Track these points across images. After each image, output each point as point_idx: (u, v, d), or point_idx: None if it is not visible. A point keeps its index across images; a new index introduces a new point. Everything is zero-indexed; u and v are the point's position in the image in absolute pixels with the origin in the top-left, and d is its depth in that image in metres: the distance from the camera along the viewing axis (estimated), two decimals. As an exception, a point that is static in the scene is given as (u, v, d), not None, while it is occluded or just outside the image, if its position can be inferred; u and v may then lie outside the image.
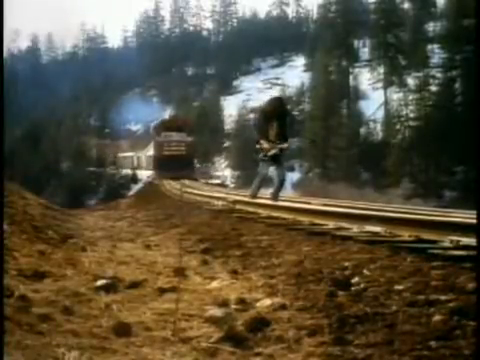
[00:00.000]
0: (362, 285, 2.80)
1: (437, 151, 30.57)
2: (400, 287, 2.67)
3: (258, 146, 8.38)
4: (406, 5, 50.49)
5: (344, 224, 5.05)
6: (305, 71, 53.95)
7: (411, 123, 34.33)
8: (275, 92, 52.63)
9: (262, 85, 60.03)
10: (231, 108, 52.09)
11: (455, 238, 3.57)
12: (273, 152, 8.22)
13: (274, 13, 74.74)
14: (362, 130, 40.07)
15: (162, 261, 3.99)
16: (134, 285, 3.05)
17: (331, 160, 37.31)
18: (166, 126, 34.09)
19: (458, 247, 3.48)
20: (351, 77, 44.48)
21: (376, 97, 42.76)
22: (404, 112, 35.27)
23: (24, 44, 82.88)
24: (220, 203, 9.43)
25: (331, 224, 5.24)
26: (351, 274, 3.06)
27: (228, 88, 61.70)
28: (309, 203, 7.84)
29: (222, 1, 75.86)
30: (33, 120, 51.67)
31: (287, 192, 30.01)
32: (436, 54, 38.53)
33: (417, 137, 32.38)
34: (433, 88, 33.60)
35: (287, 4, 74.35)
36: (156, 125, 37.45)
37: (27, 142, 45.71)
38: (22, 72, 62.85)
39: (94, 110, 60.41)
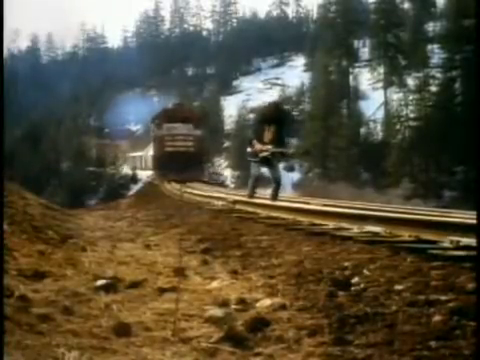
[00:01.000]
0: (362, 285, 2.80)
1: (437, 151, 30.55)
2: (400, 287, 2.67)
3: (249, 149, 8.40)
4: (406, 5, 50.52)
5: (344, 224, 5.05)
6: (305, 71, 53.95)
7: (411, 123, 34.31)
8: (275, 92, 52.71)
9: (262, 85, 60.03)
10: (231, 108, 52.07)
11: (455, 238, 3.57)
12: (264, 154, 8.21)
13: (274, 13, 74.76)
14: (362, 130, 40.05)
15: (162, 261, 3.99)
16: (134, 285, 3.05)
17: (331, 160, 37.28)
18: (169, 116, 27.72)
19: (458, 247, 3.47)
20: (351, 77, 44.46)
21: (376, 97, 42.74)
22: (404, 112, 35.24)
23: (24, 44, 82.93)
24: (220, 203, 9.43)
25: (331, 224, 5.24)
26: (351, 274, 3.06)
27: (228, 88, 61.68)
28: (309, 203, 7.84)
29: (222, 1, 75.86)
30: (33, 120, 51.64)
31: (287, 192, 30.01)
32: (436, 54, 38.51)
33: (417, 137, 32.35)
34: (433, 88, 33.57)
35: (287, 4, 74.38)
36: (156, 116, 29.97)
37: (27, 142, 45.69)
38: (22, 72, 62.80)
39: (94, 110, 60.40)
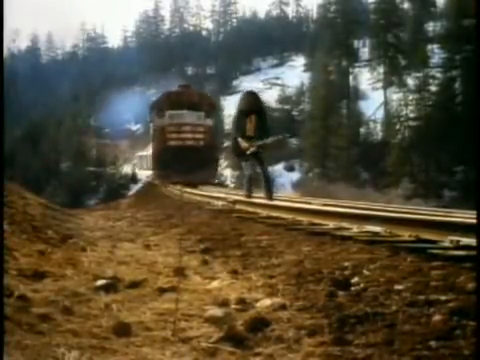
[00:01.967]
0: (362, 285, 2.80)
1: (437, 151, 30.57)
2: (400, 287, 2.67)
3: (235, 148, 8.23)
4: (406, 5, 50.54)
5: (344, 224, 5.05)
6: (305, 71, 53.96)
7: (411, 123, 34.32)
8: (275, 92, 52.71)
9: (262, 85, 60.03)
10: (231, 108, 52.01)
11: (455, 238, 3.57)
12: (251, 150, 8.09)
13: (274, 13, 74.80)
14: (362, 130, 40.08)
15: (162, 261, 3.99)
16: (134, 285, 3.05)
17: (331, 160, 37.30)
18: (173, 101, 22.31)
19: (458, 247, 3.47)
20: (351, 77, 44.49)
21: (376, 97, 42.75)
22: (404, 112, 35.25)
23: (24, 44, 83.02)
24: (220, 203, 9.43)
25: (331, 224, 5.24)
26: (351, 274, 3.06)
27: (228, 88, 61.67)
28: (309, 203, 7.84)
29: (222, 1, 75.89)
30: (33, 120, 51.67)
31: (287, 192, 29.98)
32: (436, 54, 38.54)
33: (417, 137, 32.36)
34: (433, 88, 33.59)
35: (287, 4, 74.41)
36: (157, 101, 24.71)
37: (27, 142, 45.71)
38: (22, 72, 62.83)
39: (94, 110, 60.44)
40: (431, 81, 33.79)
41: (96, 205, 28.61)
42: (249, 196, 8.38)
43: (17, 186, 9.57)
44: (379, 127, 40.23)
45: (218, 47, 68.93)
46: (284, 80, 56.41)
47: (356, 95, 43.38)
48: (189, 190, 15.33)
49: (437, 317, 2.14)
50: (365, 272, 3.08)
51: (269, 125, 8.58)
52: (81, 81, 63.05)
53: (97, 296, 2.73)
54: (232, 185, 37.57)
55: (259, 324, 2.24)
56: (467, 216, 4.59)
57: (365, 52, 51.97)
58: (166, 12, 79.37)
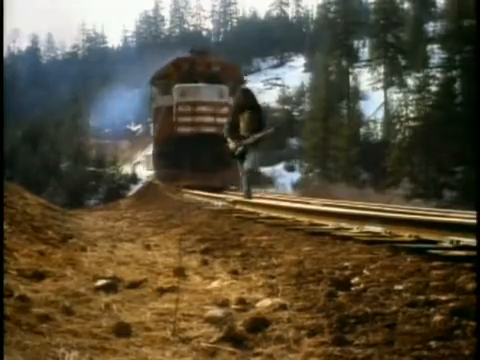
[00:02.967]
0: (362, 285, 2.80)
1: (437, 151, 30.56)
2: (400, 287, 2.67)
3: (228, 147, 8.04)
4: (406, 5, 50.51)
5: (344, 224, 5.06)
6: (305, 71, 53.95)
7: (411, 123, 34.31)
8: (275, 92, 52.67)
9: (262, 85, 59.95)
10: (231, 108, 52.03)
11: (455, 238, 3.57)
12: (239, 151, 8.00)
13: (274, 13, 74.76)
14: (362, 130, 40.07)
15: (162, 261, 3.99)
16: (134, 285, 3.05)
17: (331, 160, 37.29)
18: (185, 72, 16.72)
19: (458, 247, 3.48)
20: (351, 77, 44.48)
21: (376, 97, 42.75)
22: (404, 112, 35.26)
23: (24, 44, 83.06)
24: (220, 203, 9.43)
25: (331, 224, 5.24)
26: (351, 274, 3.06)
27: (228, 88, 61.60)
28: (309, 203, 7.84)
29: (222, 1, 75.91)
30: (33, 120, 51.66)
31: (288, 192, 29.97)
32: (436, 54, 38.51)
33: (417, 137, 32.36)
34: (433, 88, 33.57)
35: (287, 4, 74.37)
36: (160, 72, 18.94)
37: (27, 142, 45.71)
38: (22, 72, 62.82)
39: (94, 110, 60.42)
40: (431, 81, 33.77)
41: (96, 205, 28.60)
42: (249, 196, 8.26)
43: (17, 186, 9.58)
44: (379, 127, 40.23)
45: (218, 47, 68.93)
46: (284, 80, 56.34)
47: (356, 95, 43.37)
48: (189, 190, 13.37)
49: (437, 317, 2.14)
50: (365, 272, 3.08)
51: (264, 122, 8.39)
52: (81, 81, 63.03)
53: (97, 296, 2.73)
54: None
55: (259, 324, 2.24)
56: (467, 216, 4.59)
57: (365, 52, 51.93)
58: (166, 12, 79.47)
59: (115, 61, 68.18)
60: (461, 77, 32.20)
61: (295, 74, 55.52)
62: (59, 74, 65.46)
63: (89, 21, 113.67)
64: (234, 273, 3.46)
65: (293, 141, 44.30)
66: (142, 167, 41.72)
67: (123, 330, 2.17)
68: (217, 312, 2.43)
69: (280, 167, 41.58)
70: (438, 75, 34.14)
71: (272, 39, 64.63)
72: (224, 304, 2.63)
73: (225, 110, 15.59)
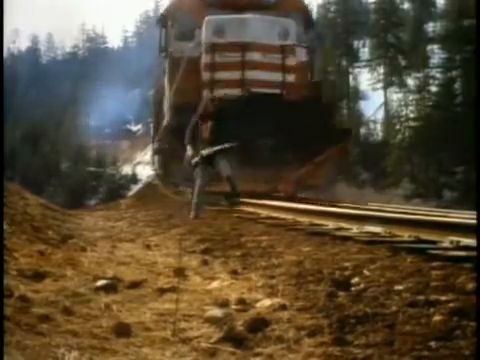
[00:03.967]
0: (362, 285, 2.80)
1: (437, 151, 30.54)
2: (400, 287, 2.67)
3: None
4: (406, 5, 50.44)
5: (344, 224, 5.06)
6: (305, 71, 53.90)
7: (411, 123, 34.29)
8: (275, 92, 52.62)
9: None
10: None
11: (455, 238, 3.57)
12: (195, 160, 7.29)
13: (274, 13, 74.78)
14: (362, 130, 40.07)
15: (162, 261, 3.99)
16: (134, 285, 3.05)
17: (331, 160, 37.25)
18: None
19: (458, 247, 3.48)
20: (351, 77, 44.48)
21: (376, 97, 42.76)
22: (404, 112, 35.25)
23: (24, 44, 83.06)
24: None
25: (331, 224, 5.24)
26: (351, 274, 3.06)
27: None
28: (309, 203, 7.84)
29: (222, 1, 75.86)
30: (33, 120, 51.65)
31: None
32: (436, 54, 38.49)
33: (417, 137, 32.34)
34: (433, 88, 33.55)
35: (287, 4, 74.37)
36: (174, 4, 12.28)
37: (27, 142, 45.70)
38: (22, 72, 62.82)
39: (94, 110, 60.43)
40: (431, 81, 33.76)
41: (96, 205, 28.58)
42: (196, 217, 7.02)
43: (17, 186, 9.58)
44: (379, 127, 40.25)
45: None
46: (284, 80, 56.28)
47: (356, 95, 43.37)
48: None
49: (437, 317, 2.14)
50: (365, 272, 3.08)
51: (227, 133, 7.28)
52: (81, 81, 63.03)
53: (97, 296, 2.73)
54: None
55: (259, 324, 2.24)
56: (467, 216, 4.60)
57: (365, 52, 51.89)
58: (166, 12, 79.43)
59: (115, 61, 68.11)
60: (461, 77, 32.19)
61: (295, 74, 55.46)
62: (59, 74, 65.44)
63: (89, 21, 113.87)
64: (234, 273, 3.46)
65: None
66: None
67: (123, 330, 2.17)
68: (217, 312, 2.43)
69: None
70: (438, 75, 34.12)
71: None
72: (224, 304, 2.63)
73: (292, 61, 10.63)
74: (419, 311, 2.27)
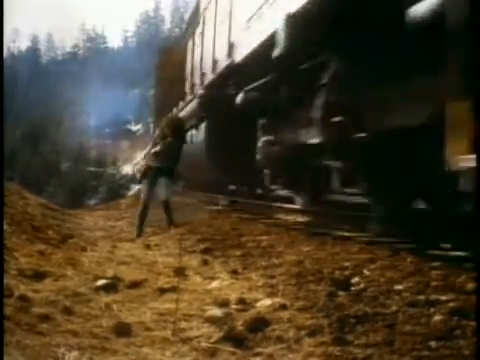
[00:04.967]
0: (362, 285, 2.80)
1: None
2: (400, 287, 2.67)
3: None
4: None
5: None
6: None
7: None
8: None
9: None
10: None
11: (455, 238, 3.57)
12: (140, 173, 7.03)
13: (274, 13, 74.80)
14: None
15: (162, 261, 3.99)
16: (134, 285, 3.05)
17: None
18: None
19: (458, 247, 3.48)
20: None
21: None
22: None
23: (24, 44, 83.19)
24: (220, 203, 9.43)
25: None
26: (351, 274, 3.06)
27: (228, 88, 61.57)
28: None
29: (222, 1, 75.90)
30: (33, 120, 51.66)
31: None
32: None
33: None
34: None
35: (287, 4, 74.38)
36: None
37: (27, 142, 45.70)
38: (22, 72, 62.85)
39: (94, 110, 60.47)
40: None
41: (96, 205, 28.57)
42: (139, 235, 6.37)
43: (17, 186, 9.58)
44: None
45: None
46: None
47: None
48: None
49: (437, 317, 2.15)
50: (365, 272, 3.08)
51: (179, 155, 6.92)
52: (81, 81, 63.06)
53: (97, 296, 2.73)
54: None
55: (259, 324, 2.24)
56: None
57: (365, 52, 51.99)
58: (166, 12, 79.76)
59: (115, 61, 68.14)
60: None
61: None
62: (59, 74, 65.48)
63: (89, 21, 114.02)
64: (234, 273, 3.46)
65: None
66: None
67: (123, 330, 2.17)
68: (217, 312, 2.43)
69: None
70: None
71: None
72: (224, 304, 2.63)
73: None
74: (419, 311, 2.27)
